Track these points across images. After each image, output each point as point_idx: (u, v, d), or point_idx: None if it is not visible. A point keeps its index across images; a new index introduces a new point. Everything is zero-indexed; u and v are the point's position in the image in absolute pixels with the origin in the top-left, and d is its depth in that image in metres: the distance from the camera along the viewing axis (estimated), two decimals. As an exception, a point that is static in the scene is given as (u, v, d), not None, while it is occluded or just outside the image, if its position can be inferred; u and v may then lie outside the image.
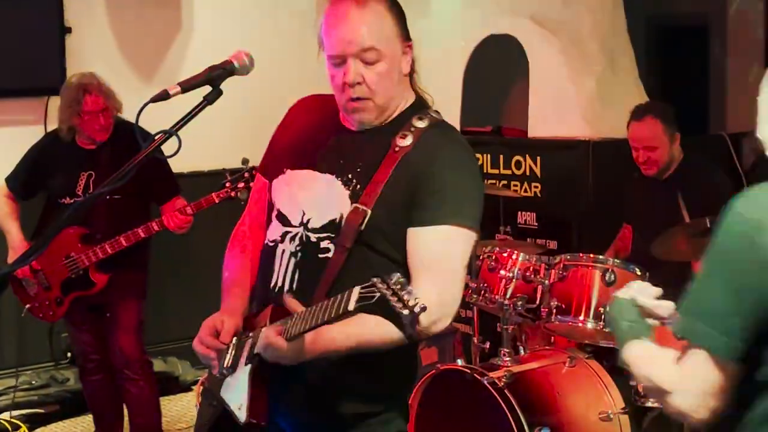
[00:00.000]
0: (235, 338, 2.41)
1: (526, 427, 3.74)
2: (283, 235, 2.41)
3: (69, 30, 5.68)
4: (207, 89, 2.31)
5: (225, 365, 2.39)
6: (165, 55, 6.18)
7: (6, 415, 5.22)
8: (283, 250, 2.40)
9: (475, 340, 4.69)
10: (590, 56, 5.83)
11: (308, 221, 2.37)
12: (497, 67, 6.30)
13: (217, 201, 4.35)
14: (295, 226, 2.40)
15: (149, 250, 4.68)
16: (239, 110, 5.68)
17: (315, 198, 2.38)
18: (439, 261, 2.27)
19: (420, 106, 2.45)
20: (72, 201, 4.44)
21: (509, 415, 3.76)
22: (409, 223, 2.30)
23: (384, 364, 2.37)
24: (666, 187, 4.61)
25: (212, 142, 5.56)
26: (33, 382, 5.55)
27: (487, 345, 4.61)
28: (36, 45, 5.49)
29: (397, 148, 2.34)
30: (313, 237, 2.36)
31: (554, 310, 4.05)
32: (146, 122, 2.28)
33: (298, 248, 2.38)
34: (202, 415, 2.54)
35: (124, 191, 3.73)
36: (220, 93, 2.30)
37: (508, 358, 4.13)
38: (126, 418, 4.82)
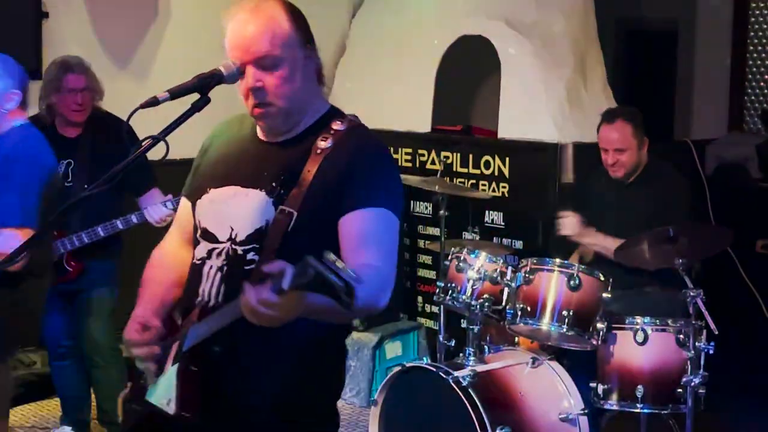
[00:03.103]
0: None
1: (488, 426, 3.84)
2: (210, 252, 2.45)
3: (46, 15, 5.67)
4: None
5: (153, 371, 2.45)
6: (141, 41, 6.19)
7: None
8: (211, 266, 2.44)
9: (441, 338, 4.79)
10: (561, 60, 5.92)
11: (235, 236, 2.42)
12: (469, 67, 6.37)
13: None
14: (222, 242, 2.44)
15: (122, 238, 4.72)
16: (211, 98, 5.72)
17: (241, 212, 2.42)
18: (373, 238, 2.33)
19: (337, 112, 2.52)
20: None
21: (472, 414, 3.86)
22: (337, 218, 2.35)
23: (314, 375, 2.44)
24: (630, 191, 4.72)
25: (184, 130, 5.59)
26: None
27: (453, 343, 4.71)
28: (12, 29, 5.47)
29: (318, 150, 2.40)
30: (239, 250, 2.40)
31: (519, 313, 4.15)
32: (126, 115, 2.33)
33: (224, 263, 2.42)
34: (126, 421, 2.57)
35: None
36: (208, 100, 2.37)
37: (472, 357, 4.23)
38: (93, 403, 4.88)
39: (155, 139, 2.31)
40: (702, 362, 4.05)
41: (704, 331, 4.06)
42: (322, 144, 2.41)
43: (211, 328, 2.32)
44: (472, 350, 4.27)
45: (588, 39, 6.13)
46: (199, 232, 2.50)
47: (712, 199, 6.10)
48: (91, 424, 4.93)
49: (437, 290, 4.54)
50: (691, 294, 4.02)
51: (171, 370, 2.39)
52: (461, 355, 4.32)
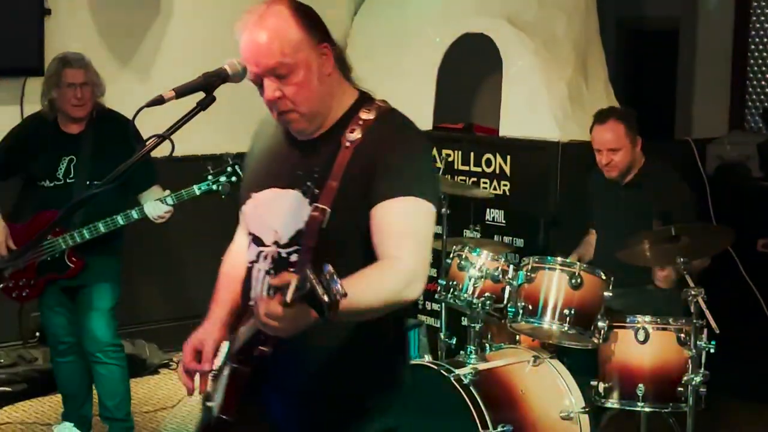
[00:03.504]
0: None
1: (489, 424, 3.86)
2: (258, 255, 2.48)
3: (48, 12, 5.69)
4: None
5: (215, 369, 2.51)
6: (143, 39, 6.21)
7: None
8: (259, 269, 2.48)
9: (442, 336, 4.80)
10: (563, 58, 5.93)
11: (279, 238, 2.44)
12: (471, 65, 6.37)
13: (198, 194, 4.43)
14: (268, 246, 2.46)
15: (124, 234, 4.73)
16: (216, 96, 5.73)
17: (281, 215, 2.43)
18: (406, 229, 2.30)
19: (365, 99, 2.49)
20: (52, 184, 4.50)
21: (474, 412, 3.88)
22: (369, 208, 2.34)
23: (377, 358, 2.44)
24: (627, 191, 4.72)
25: (187, 127, 5.59)
26: (1, 361, 5.56)
27: (454, 341, 4.72)
28: (15, 26, 5.49)
29: (347, 143, 2.38)
30: (283, 253, 2.43)
31: (521, 311, 4.16)
32: (127, 112, 2.33)
33: (270, 266, 2.45)
34: (200, 420, 2.61)
35: (103, 177, 3.77)
36: (213, 99, 2.37)
37: (473, 356, 4.24)
38: (95, 400, 4.89)
39: (161, 138, 2.31)
40: (703, 361, 4.06)
41: (705, 330, 4.06)
42: (351, 136, 2.39)
43: (251, 331, 2.36)
44: (474, 348, 4.29)
45: (590, 37, 6.14)
46: (250, 235, 2.53)
47: (713, 199, 6.10)
48: (93, 420, 4.94)
49: (438, 288, 4.55)
50: (692, 293, 4.02)
51: (226, 371, 2.45)
52: (462, 353, 4.33)
